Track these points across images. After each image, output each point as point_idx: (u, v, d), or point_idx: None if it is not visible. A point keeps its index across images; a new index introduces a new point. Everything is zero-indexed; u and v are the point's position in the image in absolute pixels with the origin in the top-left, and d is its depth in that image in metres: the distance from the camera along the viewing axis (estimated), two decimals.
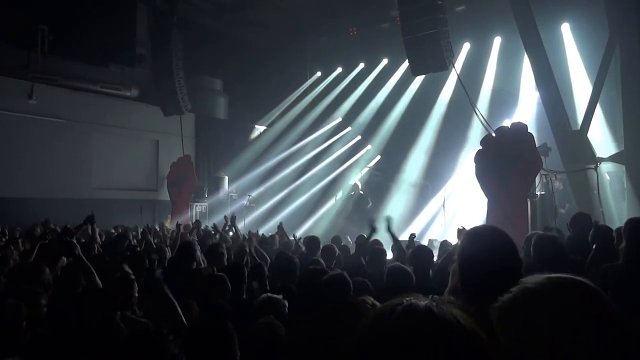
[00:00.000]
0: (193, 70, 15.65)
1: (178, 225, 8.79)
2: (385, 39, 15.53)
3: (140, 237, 8.43)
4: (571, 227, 5.84)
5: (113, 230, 9.52)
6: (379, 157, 17.23)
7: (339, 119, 18.16)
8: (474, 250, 2.15)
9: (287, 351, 2.76)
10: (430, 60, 10.66)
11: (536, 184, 10.03)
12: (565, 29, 12.68)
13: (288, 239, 8.79)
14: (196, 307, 3.63)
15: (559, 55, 12.27)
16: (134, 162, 15.41)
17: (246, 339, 2.87)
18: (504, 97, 13.70)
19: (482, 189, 9.63)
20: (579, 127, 11.02)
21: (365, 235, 7.19)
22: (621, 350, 1.10)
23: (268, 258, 6.50)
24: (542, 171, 9.78)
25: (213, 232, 8.94)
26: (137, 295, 3.83)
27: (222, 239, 8.16)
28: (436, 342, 0.85)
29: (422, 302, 0.92)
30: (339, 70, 17.92)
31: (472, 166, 9.94)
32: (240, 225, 10.34)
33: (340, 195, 16.77)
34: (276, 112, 18.37)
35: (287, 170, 17.46)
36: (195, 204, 15.29)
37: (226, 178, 16.33)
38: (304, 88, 18.47)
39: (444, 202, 13.23)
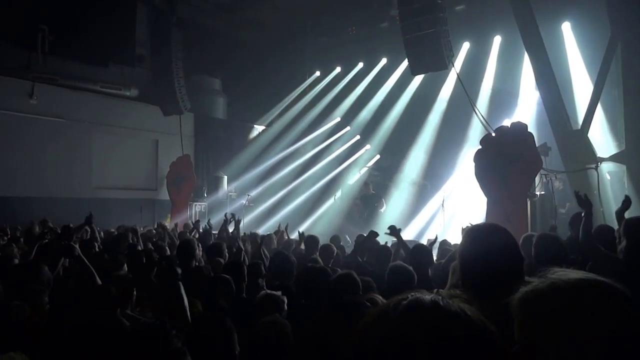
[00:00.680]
0: (192, 70, 15.67)
1: (175, 225, 8.81)
2: (384, 38, 15.51)
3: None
4: (571, 226, 5.84)
5: (113, 230, 9.51)
6: (378, 156, 17.23)
7: (338, 119, 18.15)
8: (475, 248, 2.15)
9: (292, 350, 2.75)
10: (430, 60, 10.66)
11: (536, 184, 10.02)
12: (566, 27, 12.65)
13: (289, 237, 8.79)
14: (200, 305, 3.63)
15: (560, 55, 12.25)
16: (133, 162, 15.40)
17: (252, 337, 2.87)
18: (504, 96, 13.70)
19: (481, 188, 9.62)
20: (579, 127, 11.01)
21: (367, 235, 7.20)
22: None
23: (268, 256, 6.51)
24: (542, 171, 9.78)
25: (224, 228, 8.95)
26: (136, 293, 3.84)
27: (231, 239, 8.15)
28: (445, 335, 0.83)
29: (427, 296, 0.90)
30: (338, 69, 17.90)
31: (471, 166, 9.93)
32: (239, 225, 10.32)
33: (339, 194, 16.76)
34: (275, 111, 18.36)
35: (286, 170, 17.46)
36: (195, 203, 15.28)
37: (225, 178, 16.33)
38: (303, 88, 18.44)
39: (443, 201, 13.21)
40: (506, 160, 9.20)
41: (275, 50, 17.14)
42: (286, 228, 9.31)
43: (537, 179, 9.90)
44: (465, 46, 14.52)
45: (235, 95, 17.70)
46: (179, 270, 3.65)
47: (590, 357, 1.09)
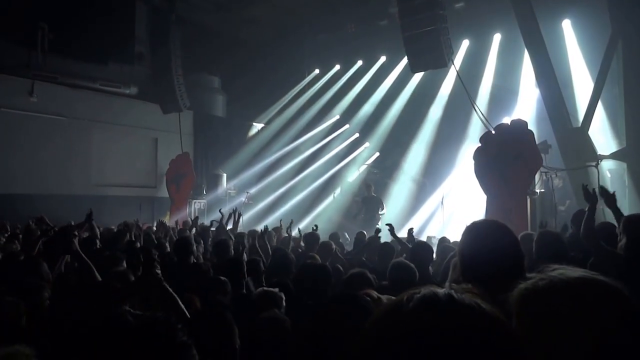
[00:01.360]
0: (191, 68, 15.66)
1: (176, 223, 8.82)
2: (383, 36, 15.50)
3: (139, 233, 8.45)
4: (573, 224, 5.85)
5: (113, 227, 9.52)
6: (377, 154, 17.23)
7: (337, 117, 18.14)
8: (476, 244, 2.15)
9: (291, 345, 2.75)
10: (430, 57, 10.66)
11: (536, 182, 10.02)
12: (567, 25, 12.63)
13: (290, 234, 8.80)
14: (198, 302, 3.63)
15: (560, 52, 12.24)
16: (133, 159, 15.42)
17: (252, 333, 2.87)
18: (504, 94, 13.69)
19: (481, 186, 9.62)
20: (580, 124, 11.00)
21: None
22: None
23: (269, 253, 6.52)
24: (542, 168, 9.77)
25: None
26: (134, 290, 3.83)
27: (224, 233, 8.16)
28: (461, 329, 0.82)
29: (441, 290, 0.89)
30: (337, 67, 17.89)
31: (471, 163, 9.93)
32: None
33: (338, 192, 16.77)
34: (274, 109, 18.35)
35: (285, 168, 17.46)
36: (194, 201, 15.30)
37: (224, 175, 16.35)
38: (302, 85, 18.43)
39: (442, 199, 13.22)
40: (506, 158, 9.20)
41: (274, 48, 17.12)
42: (290, 224, 9.32)
43: (537, 176, 9.90)
44: (465, 44, 14.50)
45: (235, 93, 17.69)
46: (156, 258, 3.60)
47: (587, 355, 1.10)
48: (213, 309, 3.22)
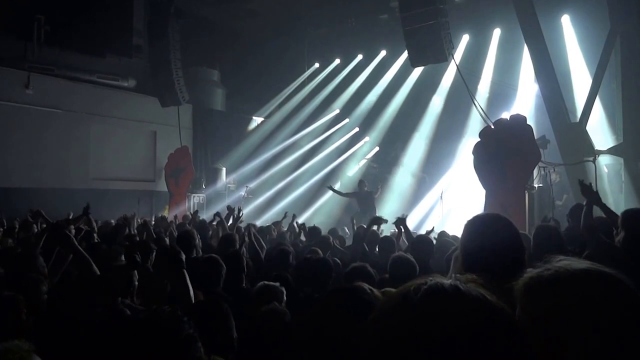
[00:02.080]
0: (190, 61, 15.58)
1: (175, 217, 8.81)
2: (384, 30, 15.50)
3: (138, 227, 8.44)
4: (570, 218, 5.87)
5: (113, 221, 9.50)
6: (377, 148, 17.23)
7: (337, 111, 18.14)
8: (478, 237, 2.15)
9: (293, 340, 2.76)
10: (430, 52, 10.64)
11: (534, 176, 10.04)
12: (566, 20, 12.65)
13: (297, 227, 8.79)
14: (201, 296, 3.64)
15: (559, 47, 12.27)
16: (131, 153, 15.36)
17: (252, 326, 2.88)
18: (503, 89, 13.70)
19: (480, 181, 9.64)
20: (578, 120, 11.03)
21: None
22: None
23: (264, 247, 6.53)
24: (540, 163, 9.79)
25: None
26: (137, 283, 3.83)
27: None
28: (467, 320, 0.83)
29: (447, 281, 0.90)
30: (337, 61, 17.88)
31: (470, 158, 9.94)
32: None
33: (338, 186, 16.78)
34: (274, 103, 18.33)
35: (284, 162, 17.46)
36: (193, 195, 15.26)
37: (224, 169, 16.32)
38: (302, 79, 18.42)
39: (441, 194, 13.24)
40: (505, 153, 9.21)
41: (274, 42, 17.08)
42: (293, 218, 9.30)
43: (535, 171, 9.92)
44: (465, 38, 14.50)
45: (234, 87, 17.66)
46: (183, 258, 3.63)
47: (592, 347, 1.11)
48: (210, 299, 3.22)
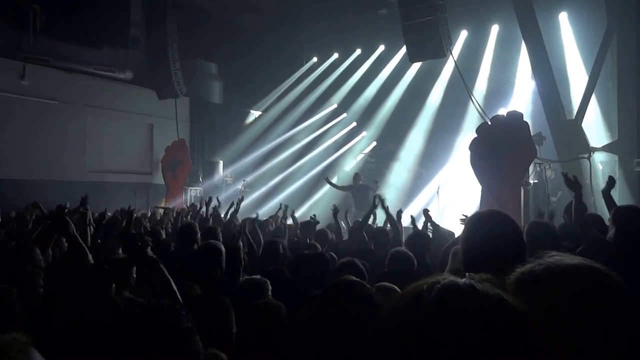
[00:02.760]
0: (188, 54, 15.51)
1: (173, 209, 8.81)
2: (382, 25, 15.48)
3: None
4: (566, 215, 5.92)
5: (109, 214, 9.49)
6: (374, 143, 17.25)
7: (335, 105, 18.13)
8: (480, 233, 2.18)
9: (287, 333, 2.77)
10: (428, 47, 10.67)
11: (530, 173, 10.09)
12: (563, 18, 12.65)
13: (285, 221, 8.80)
14: (197, 288, 3.64)
15: (556, 45, 12.28)
16: (128, 146, 15.33)
17: (245, 320, 2.89)
18: (501, 85, 13.73)
19: (476, 176, 9.67)
20: (573, 117, 11.08)
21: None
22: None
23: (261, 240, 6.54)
24: (535, 160, 9.84)
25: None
26: (135, 276, 3.85)
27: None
28: (484, 320, 0.81)
29: (462, 280, 0.87)
30: (336, 56, 17.86)
31: (467, 154, 9.97)
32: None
33: (335, 181, 16.80)
34: (272, 97, 18.29)
35: (282, 156, 17.45)
36: (190, 188, 15.27)
37: (221, 163, 16.32)
38: (300, 73, 18.39)
39: (438, 189, 13.28)
40: (501, 149, 9.23)
41: (272, 35, 17.04)
42: (286, 209, 9.28)
43: (530, 167, 9.96)
44: (463, 34, 14.49)
45: (232, 80, 17.63)
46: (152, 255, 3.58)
47: (581, 340, 1.13)
48: (211, 293, 3.23)
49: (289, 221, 9.30)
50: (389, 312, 0.90)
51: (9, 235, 6.44)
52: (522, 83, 13.40)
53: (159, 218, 10.27)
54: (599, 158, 11.43)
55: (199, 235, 5.46)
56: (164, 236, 7.01)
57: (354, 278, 2.39)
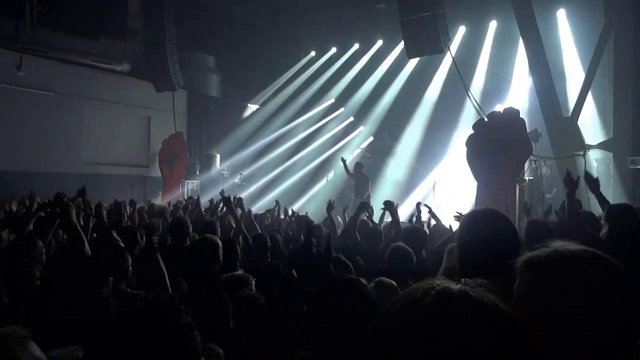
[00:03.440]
0: (185, 46, 15.47)
1: (168, 203, 8.82)
2: (381, 19, 15.46)
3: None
4: (561, 212, 5.97)
5: (105, 205, 9.49)
6: (371, 138, 17.28)
7: (332, 100, 18.14)
8: (476, 232, 2.21)
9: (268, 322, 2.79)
10: (426, 43, 10.67)
11: (525, 169, 10.13)
12: (561, 15, 12.68)
13: (278, 216, 8.83)
14: (185, 284, 3.64)
15: (554, 41, 12.32)
16: (125, 138, 15.30)
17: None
18: (498, 81, 13.75)
19: (472, 172, 9.70)
20: (569, 114, 11.12)
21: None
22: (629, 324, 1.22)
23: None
24: (531, 156, 9.88)
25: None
26: (131, 268, 3.86)
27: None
28: (477, 327, 0.82)
29: (455, 285, 0.88)
30: (334, 50, 17.85)
31: (463, 150, 10.00)
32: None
33: (332, 175, 16.84)
34: (269, 90, 18.27)
35: (279, 150, 17.48)
36: (187, 181, 15.27)
37: (218, 156, 16.32)
38: (298, 67, 18.38)
39: (434, 184, 13.32)
40: (497, 145, 9.26)
41: (270, 29, 17.02)
42: (278, 207, 9.31)
43: (526, 164, 10.01)
44: (461, 30, 14.50)
45: (229, 73, 17.59)
46: (155, 240, 3.59)
47: (583, 317, 1.21)
48: (210, 288, 3.25)
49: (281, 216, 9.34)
50: (384, 317, 0.92)
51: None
52: (519, 79, 13.43)
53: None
54: (594, 155, 11.48)
55: (190, 229, 5.46)
56: (160, 230, 7.01)
57: (352, 276, 2.43)
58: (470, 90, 11.80)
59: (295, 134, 17.89)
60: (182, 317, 1.47)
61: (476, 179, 9.61)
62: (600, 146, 11.45)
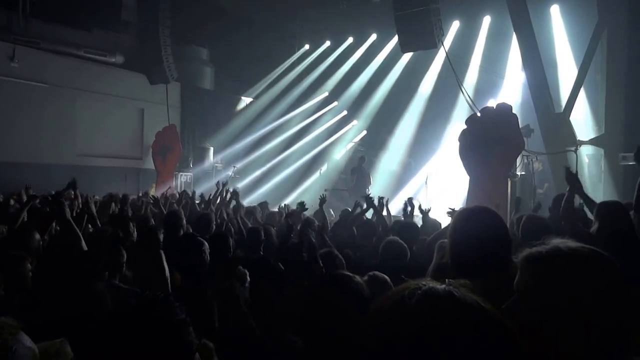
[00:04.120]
0: (179, 39, 15.42)
1: (162, 195, 8.78)
2: (375, 13, 15.42)
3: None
4: (553, 207, 6.02)
5: (98, 197, 9.46)
6: (364, 132, 17.30)
7: (326, 94, 18.13)
8: (468, 230, 2.24)
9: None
10: (420, 38, 10.69)
11: (517, 164, 10.19)
12: (555, 11, 12.72)
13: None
14: (178, 277, 3.65)
15: (547, 37, 12.35)
16: (118, 130, 15.26)
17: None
18: (491, 77, 13.78)
19: (464, 167, 9.75)
20: (562, 110, 11.17)
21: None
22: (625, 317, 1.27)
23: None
24: (523, 152, 9.93)
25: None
26: (124, 261, 3.86)
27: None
28: (461, 327, 0.86)
29: (440, 286, 0.92)
30: (328, 44, 17.83)
31: (456, 145, 10.04)
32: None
33: (325, 168, 16.87)
34: (263, 84, 18.23)
35: (272, 143, 17.47)
36: (180, 173, 15.26)
37: (211, 149, 16.30)
38: (292, 61, 18.36)
39: (426, 179, 13.36)
40: (490, 141, 9.31)
41: (265, 22, 16.96)
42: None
43: (518, 159, 10.06)
44: (455, 25, 14.51)
45: (223, 66, 17.54)
46: (161, 238, 3.61)
47: (583, 313, 1.25)
48: (192, 283, 3.26)
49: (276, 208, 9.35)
50: (374, 315, 0.96)
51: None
52: (512, 75, 13.46)
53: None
54: (585, 151, 11.55)
55: (184, 221, 5.48)
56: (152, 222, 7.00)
57: (344, 272, 2.45)
58: (464, 85, 11.83)
59: (289, 127, 17.89)
60: (177, 313, 1.49)
61: (468, 173, 9.65)
62: (592, 142, 11.52)
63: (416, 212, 7.35)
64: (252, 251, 5.02)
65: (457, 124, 12.22)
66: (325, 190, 14.00)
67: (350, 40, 17.28)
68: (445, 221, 6.44)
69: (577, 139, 10.92)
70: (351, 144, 17.19)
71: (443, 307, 0.88)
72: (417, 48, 11.61)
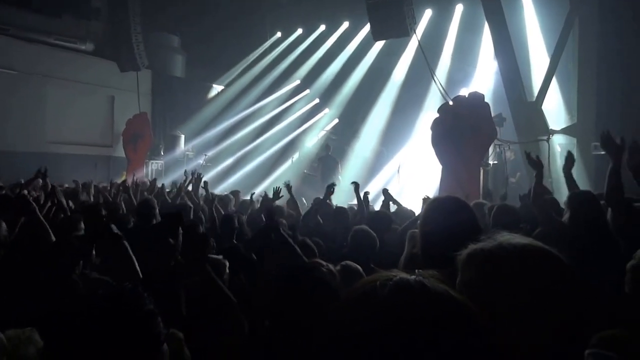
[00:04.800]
0: (150, 26, 15.25)
1: (133, 182, 8.65)
2: (347, 1, 15.36)
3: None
4: (527, 197, 6.10)
5: (67, 185, 9.32)
6: (336, 120, 17.29)
7: (298, 81, 18.06)
8: (438, 220, 2.25)
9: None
10: (392, 26, 10.70)
11: (489, 154, 10.29)
12: None
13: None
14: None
15: (519, 26, 12.41)
16: (88, 117, 15.08)
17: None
18: (463, 65, 13.85)
19: (437, 156, 9.82)
20: (534, 99, 11.28)
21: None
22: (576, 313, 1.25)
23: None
24: (495, 141, 10.03)
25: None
26: (95, 252, 3.80)
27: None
28: (433, 316, 0.86)
29: (411, 276, 0.92)
30: (299, 31, 17.73)
31: (428, 133, 10.10)
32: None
33: (297, 157, 16.84)
34: (235, 71, 18.09)
35: (244, 131, 17.36)
36: (151, 161, 15.12)
37: (182, 137, 16.17)
38: (264, 49, 18.24)
39: (398, 168, 13.42)
40: (462, 130, 9.39)
41: (236, 10, 16.78)
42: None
43: (490, 148, 10.16)
44: (428, 13, 14.53)
45: (195, 54, 17.36)
46: (117, 231, 3.52)
47: (525, 312, 1.23)
48: (159, 275, 3.23)
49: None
50: (344, 306, 0.95)
51: None
52: (485, 64, 13.55)
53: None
54: (557, 140, 11.68)
55: (157, 210, 5.43)
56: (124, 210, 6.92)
57: (313, 262, 2.45)
58: (436, 74, 11.89)
59: (261, 115, 17.77)
60: (146, 304, 1.47)
61: (441, 162, 9.73)
62: (564, 131, 11.64)
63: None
64: (225, 239, 4.99)
65: (429, 113, 12.29)
66: (305, 171, 14.10)
67: (322, 28, 17.18)
68: (418, 209, 6.48)
69: (550, 128, 11.04)
70: (323, 132, 17.15)
71: (415, 297, 0.88)
72: (389, 36, 11.61)
